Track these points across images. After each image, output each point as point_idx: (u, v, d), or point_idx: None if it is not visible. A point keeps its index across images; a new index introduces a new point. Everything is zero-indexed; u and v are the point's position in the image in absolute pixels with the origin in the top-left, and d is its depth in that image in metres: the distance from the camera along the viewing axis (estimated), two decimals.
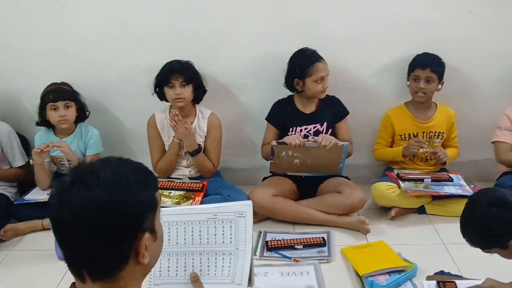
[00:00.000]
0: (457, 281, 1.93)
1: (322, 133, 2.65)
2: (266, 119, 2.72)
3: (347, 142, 2.54)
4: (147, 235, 0.95)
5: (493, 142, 2.74)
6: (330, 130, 2.67)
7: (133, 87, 2.80)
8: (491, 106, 2.84)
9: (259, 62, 2.76)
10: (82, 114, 2.69)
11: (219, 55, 2.75)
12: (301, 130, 2.65)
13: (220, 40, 2.72)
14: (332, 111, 2.69)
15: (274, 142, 2.53)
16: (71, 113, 2.61)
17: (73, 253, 0.93)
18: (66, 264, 0.96)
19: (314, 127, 2.66)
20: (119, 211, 0.91)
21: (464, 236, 1.58)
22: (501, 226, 1.46)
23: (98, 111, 2.81)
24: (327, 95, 2.67)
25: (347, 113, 2.72)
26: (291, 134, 2.63)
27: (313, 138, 2.57)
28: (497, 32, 2.69)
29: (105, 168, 0.94)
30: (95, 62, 2.77)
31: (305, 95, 2.65)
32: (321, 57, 2.57)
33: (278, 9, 2.66)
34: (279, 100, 2.73)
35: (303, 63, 2.55)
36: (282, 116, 2.68)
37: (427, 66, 2.62)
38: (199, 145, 2.66)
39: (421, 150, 2.69)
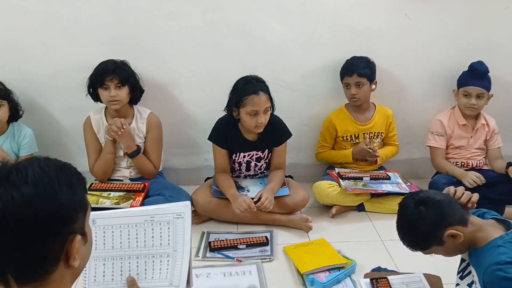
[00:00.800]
0: (389, 277, 2.00)
1: (263, 159, 2.63)
2: (210, 139, 2.59)
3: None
4: (78, 237, 0.93)
5: (427, 146, 2.87)
6: (270, 155, 2.65)
7: (67, 84, 2.71)
8: (425, 107, 2.98)
9: (200, 60, 2.75)
10: (15, 114, 2.57)
11: (157, 52, 2.71)
12: (244, 156, 2.62)
13: (158, 36, 2.68)
14: (273, 137, 2.59)
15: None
16: (3, 112, 2.49)
17: None
18: None
19: (256, 154, 2.63)
20: (49, 210, 0.87)
21: (403, 243, 1.63)
22: (431, 222, 1.52)
23: (31, 110, 2.70)
24: (271, 119, 2.50)
25: (288, 137, 2.62)
26: (235, 158, 2.62)
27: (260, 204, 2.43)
28: (430, 36, 2.81)
29: (33, 167, 0.90)
30: (26, 58, 2.66)
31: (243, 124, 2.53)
32: (264, 90, 2.40)
33: (218, 7, 2.65)
34: (221, 119, 2.57)
35: (239, 92, 2.40)
36: (226, 139, 2.57)
37: (353, 72, 2.68)
38: (138, 146, 2.58)
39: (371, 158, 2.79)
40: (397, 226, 1.63)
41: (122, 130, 2.46)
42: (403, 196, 1.68)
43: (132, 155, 2.56)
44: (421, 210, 1.54)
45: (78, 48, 2.66)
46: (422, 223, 1.53)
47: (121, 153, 2.62)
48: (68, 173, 0.94)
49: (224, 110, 2.54)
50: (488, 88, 2.73)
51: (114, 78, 2.44)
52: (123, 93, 2.48)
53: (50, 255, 0.90)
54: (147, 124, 2.62)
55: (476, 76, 2.71)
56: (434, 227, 1.53)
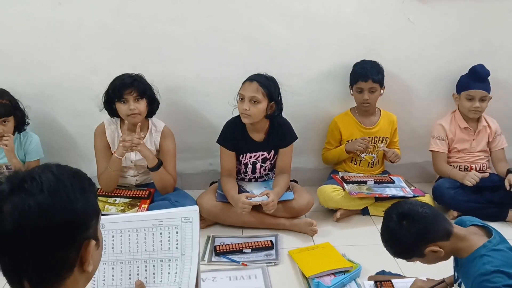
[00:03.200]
0: (393, 280, 2.01)
1: (269, 160, 2.65)
2: (219, 142, 2.61)
3: None
4: (93, 242, 0.94)
5: (430, 151, 2.88)
6: (276, 156, 2.67)
7: (73, 90, 2.73)
8: (428, 111, 2.99)
9: (204, 65, 2.76)
10: (21, 125, 2.55)
11: (162, 57, 2.72)
12: (250, 157, 2.64)
13: (163, 41, 2.69)
14: (279, 138, 2.61)
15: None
16: (9, 128, 2.45)
17: (14, 263, 0.89)
18: (3, 276, 0.92)
19: (262, 155, 2.64)
20: (65, 218, 0.88)
21: (386, 249, 1.62)
22: (412, 238, 1.51)
23: (37, 116, 2.69)
24: (277, 120, 2.57)
25: (294, 139, 2.64)
26: (241, 160, 2.63)
27: (262, 201, 2.46)
28: (433, 40, 2.83)
29: (47, 175, 0.90)
30: (31, 64, 2.67)
31: None
32: (260, 82, 2.43)
33: (222, 12, 2.67)
34: (230, 121, 2.61)
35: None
36: (235, 141, 2.58)
37: (368, 78, 2.69)
38: (159, 159, 2.53)
39: (366, 155, 2.77)
40: (380, 233, 1.62)
41: (142, 142, 2.43)
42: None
43: (154, 169, 2.50)
44: (404, 225, 1.52)
45: (83, 53, 2.68)
46: (404, 238, 1.52)
47: (128, 163, 2.59)
48: (81, 179, 0.95)
49: (236, 104, 2.56)
50: (489, 90, 2.75)
51: (133, 91, 2.41)
52: (142, 106, 2.45)
53: (66, 261, 0.90)
54: (162, 136, 2.59)
55: (478, 79, 2.73)
56: (415, 243, 1.52)
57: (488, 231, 1.57)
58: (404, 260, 1.64)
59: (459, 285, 1.69)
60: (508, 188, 2.58)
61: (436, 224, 1.53)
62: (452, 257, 1.70)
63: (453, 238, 1.53)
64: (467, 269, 1.52)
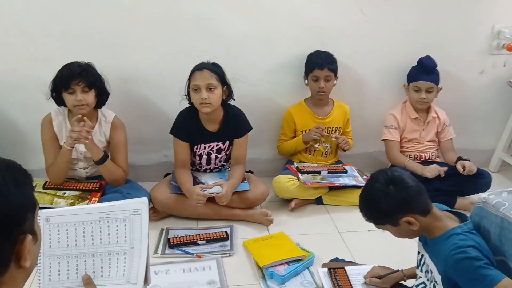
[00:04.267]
0: (347, 267, 2.05)
1: (224, 150, 2.64)
2: (172, 133, 2.58)
3: None
4: (29, 237, 0.90)
5: (383, 140, 2.95)
6: (231, 147, 2.66)
7: (21, 80, 2.62)
8: (380, 102, 3.05)
9: (157, 54, 2.71)
10: None
11: (113, 46, 2.65)
12: (205, 148, 2.61)
13: (114, 30, 2.62)
14: (233, 128, 2.60)
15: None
16: None
17: None
18: None
19: (216, 145, 2.62)
20: None
21: (360, 211, 1.64)
22: (394, 204, 1.54)
23: None
24: (231, 111, 2.58)
25: (249, 129, 2.64)
26: (195, 151, 2.61)
27: (215, 193, 2.45)
28: (386, 32, 2.88)
29: None
30: None
31: None
32: (210, 69, 2.42)
33: (176, 0, 2.63)
34: (183, 112, 2.58)
35: (191, 71, 2.47)
36: (188, 131, 2.56)
37: (324, 66, 2.72)
38: (104, 151, 2.46)
39: (320, 146, 2.81)
40: (361, 193, 1.64)
41: (90, 137, 2.35)
42: (360, 189, 1.70)
43: (99, 162, 2.43)
44: (390, 189, 1.55)
45: (30, 42, 2.57)
46: (385, 202, 1.54)
47: (78, 155, 2.51)
48: (14, 171, 0.91)
49: (184, 96, 2.54)
50: (437, 82, 2.83)
51: (80, 82, 2.32)
52: (90, 97, 2.37)
53: (1, 258, 0.87)
54: (112, 127, 2.52)
55: (425, 71, 2.80)
56: (394, 209, 1.55)
57: (462, 219, 1.62)
58: (373, 225, 1.65)
59: (421, 270, 1.74)
60: (461, 171, 2.66)
61: (420, 197, 1.56)
62: (417, 242, 1.74)
63: (430, 216, 1.57)
64: (439, 246, 1.55)
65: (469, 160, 2.73)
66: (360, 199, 1.64)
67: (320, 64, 2.72)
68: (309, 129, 2.84)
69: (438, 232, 1.58)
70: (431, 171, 2.70)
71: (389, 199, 1.54)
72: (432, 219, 1.58)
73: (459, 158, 2.75)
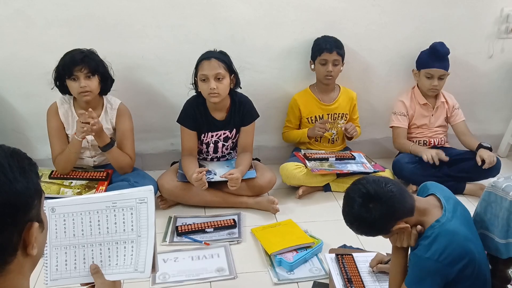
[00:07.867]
0: (354, 254, 2.04)
1: (231, 138, 2.62)
2: (179, 121, 2.56)
3: None
4: (36, 224, 0.90)
5: (391, 127, 2.92)
6: (237, 135, 2.64)
7: (24, 69, 2.61)
8: (388, 87, 3.02)
9: (163, 42, 2.69)
10: None
11: (118, 34, 2.63)
12: (212, 136, 2.60)
13: (119, 17, 2.60)
14: (240, 116, 2.58)
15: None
16: None
17: None
18: None
19: (223, 134, 2.61)
20: (4, 200, 0.84)
21: (349, 227, 1.58)
22: (380, 219, 1.48)
23: None
24: (238, 98, 2.55)
25: (255, 117, 2.61)
26: (203, 139, 2.60)
27: (226, 175, 2.44)
28: (393, 17, 2.84)
29: None
30: None
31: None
32: (218, 58, 2.39)
33: None
34: (190, 100, 2.56)
35: (197, 61, 2.43)
36: (196, 120, 2.54)
37: (333, 49, 2.69)
38: (111, 138, 2.44)
39: (326, 132, 2.79)
40: (344, 215, 1.56)
41: (95, 127, 2.32)
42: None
43: (105, 149, 2.42)
44: (370, 208, 1.47)
45: (34, 30, 2.56)
46: (372, 220, 1.48)
47: (85, 144, 2.49)
48: (19, 159, 0.90)
49: (191, 84, 2.51)
50: (448, 68, 2.78)
51: (83, 68, 2.31)
52: (94, 84, 2.36)
53: (8, 245, 0.86)
54: (117, 114, 2.51)
55: (438, 58, 2.75)
56: (383, 223, 1.51)
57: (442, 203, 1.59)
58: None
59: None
60: (479, 163, 2.62)
61: (403, 201, 1.50)
62: None
63: (416, 213, 1.53)
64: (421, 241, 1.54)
65: (490, 148, 2.67)
66: (345, 219, 1.56)
67: (329, 48, 2.70)
68: (315, 119, 2.83)
69: (425, 226, 1.54)
70: (427, 154, 2.67)
71: (373, 217, 1.47)
72: (418, 214, 1.53)
73: (480, 146, 2.70)
